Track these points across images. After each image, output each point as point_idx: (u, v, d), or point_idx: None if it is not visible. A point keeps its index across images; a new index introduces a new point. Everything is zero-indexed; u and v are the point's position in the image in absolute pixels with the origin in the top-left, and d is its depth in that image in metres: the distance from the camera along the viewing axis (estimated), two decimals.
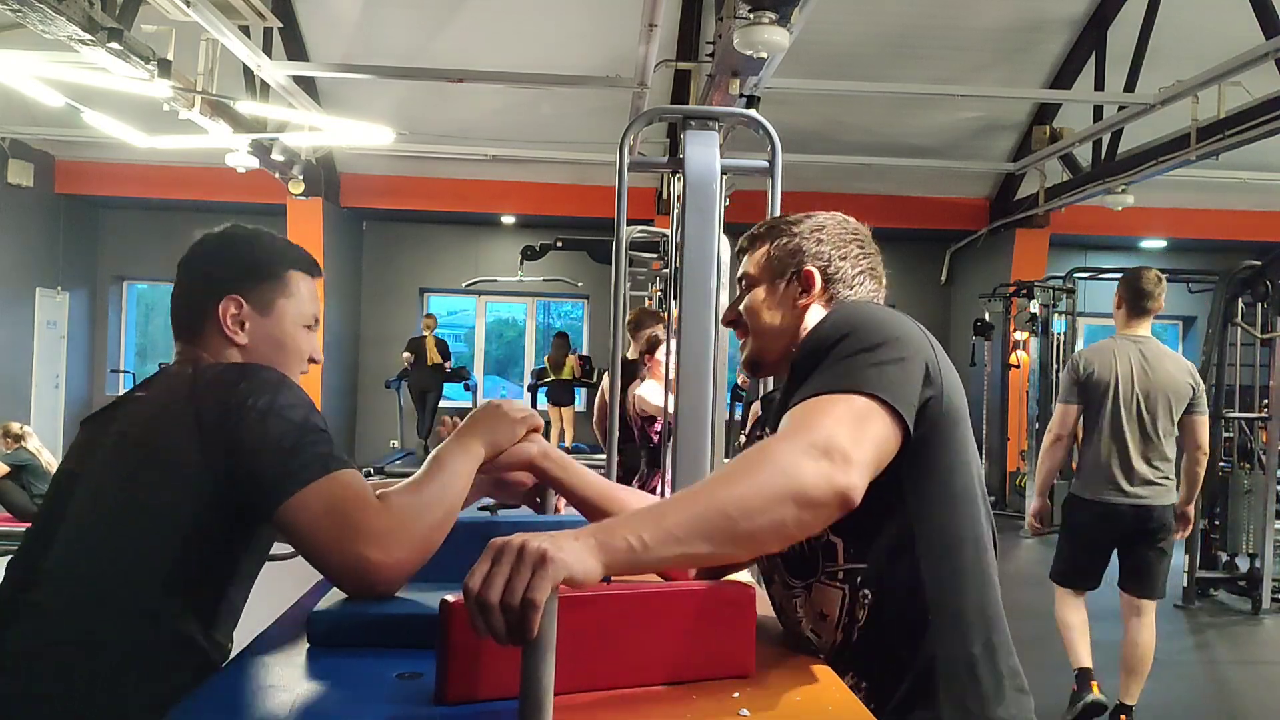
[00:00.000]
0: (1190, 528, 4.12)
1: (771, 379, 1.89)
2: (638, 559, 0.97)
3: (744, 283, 1.49)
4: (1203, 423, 4.00)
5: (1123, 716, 4.01)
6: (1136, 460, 3.92)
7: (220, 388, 1.28)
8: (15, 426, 6.45)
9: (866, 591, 1.25)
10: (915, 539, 1.24)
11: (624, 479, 4.35)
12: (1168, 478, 3.96)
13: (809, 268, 1.42)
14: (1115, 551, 4.09)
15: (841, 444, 1.09)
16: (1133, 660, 4.01)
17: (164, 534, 1.25)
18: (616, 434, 2.77)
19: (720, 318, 1.51)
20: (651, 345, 4.86)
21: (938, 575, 1.24)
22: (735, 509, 1.03)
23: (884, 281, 1.47)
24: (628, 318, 5.41)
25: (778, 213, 2.52)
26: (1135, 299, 3.99)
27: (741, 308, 1.48)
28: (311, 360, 1.51)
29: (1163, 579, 4.01)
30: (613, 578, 1.00)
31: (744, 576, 1.44)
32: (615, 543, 0.96)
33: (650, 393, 4.87)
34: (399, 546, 1.22)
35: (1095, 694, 4.17)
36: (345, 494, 1.23)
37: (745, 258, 1.51)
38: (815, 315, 1.40)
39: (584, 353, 11.81)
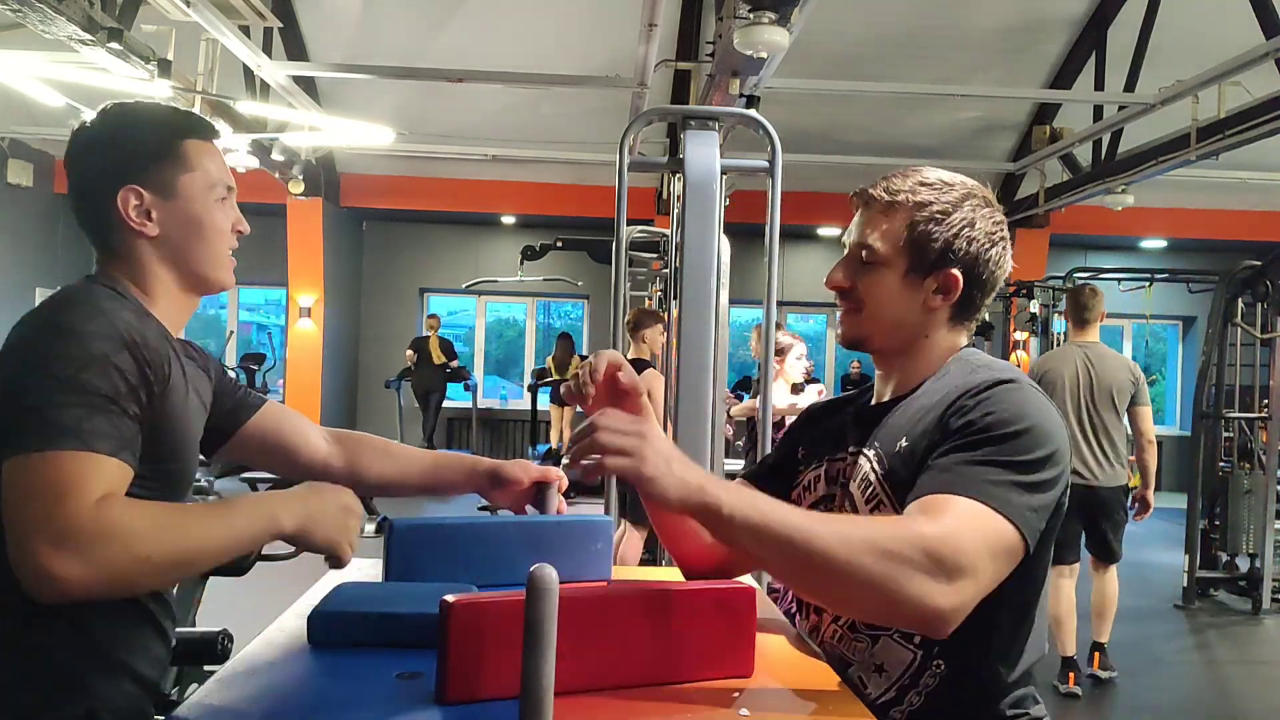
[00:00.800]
0: (1149, 511, 4.65)
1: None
2: (716, 518, 1.04)
3: (865, 253, 1.33)
4: (1144, 413, 4.64)
5: (1097, 654, 4.53)
6: (1087, 449, 4.49)
7: (17, 327, 1.18)
8: None
9: (940, 663, 1.21)
10: (1001, 621, 1.21)
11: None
12: (1116, 462, 4.57)
13: (955, 272, 1.30)
14: (1084, 528, 4.61)
15: (972, 574, 1.06)
16: (1100, 605, 4.61)
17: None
18: None
19: (826, 279, 1.37)
20: (781, 349, 4.97)
21: (1010, 653, 1.24)
22: (821, 554, 1.03)
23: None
24: (627, 318, 5.43)
25: (778, 213, 2.51)
26: (1076, 312, 4.69)
27: (861, 285, 1.34)
28: (237, 231, 1.37)
29: (1118, 545, 4.58)
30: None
31: (747, 579, 1.44)
32: (709, 491, 1.03)
33: (774, 396, 4.93)
34: (81, 561, 1.03)
35: (1071, 686, 4.52)
36: (51, 477, 1.06)
37: (869, 217, 1.34)
38: (942, 317, 1.33)
39: (584, 353, 11.82)
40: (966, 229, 1.30)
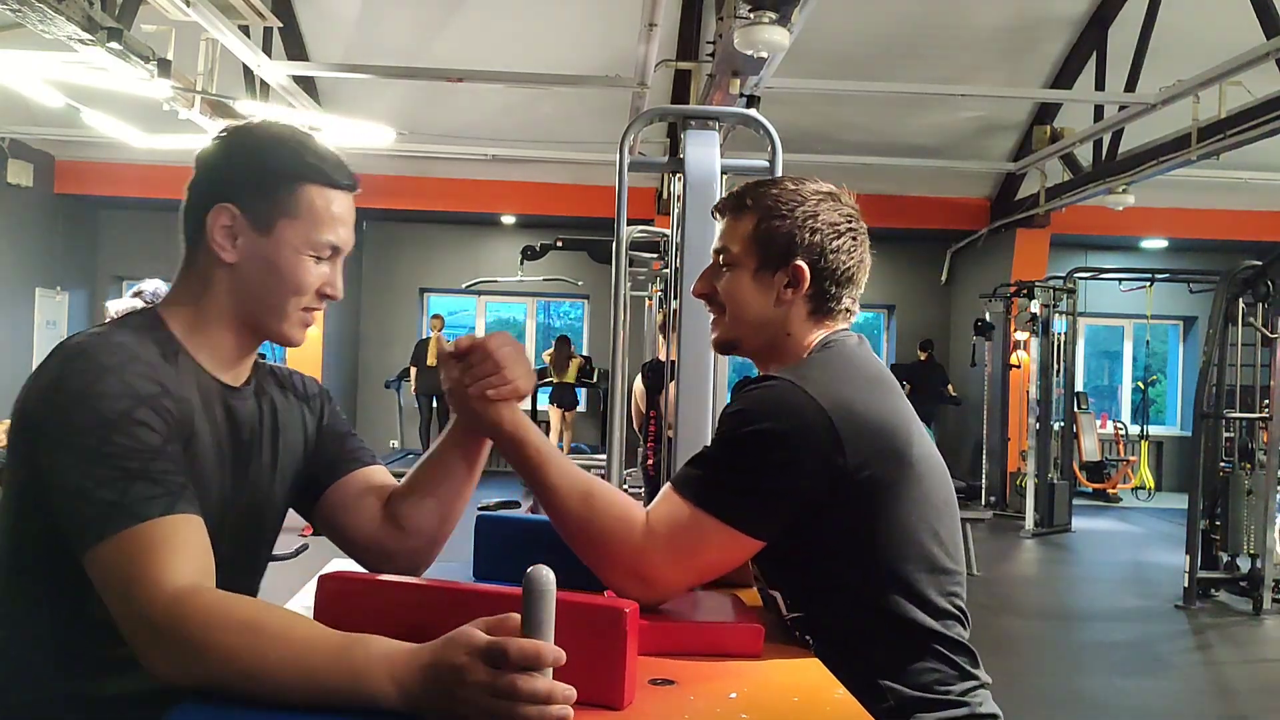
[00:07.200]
0: None
1: None
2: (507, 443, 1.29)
3: (723, 257, 1.42)
4: None
5: None
6: None
7: (30, 394, 1.11)
8: None
9: (809, 638, 1.30)
10: (835, 594, 1.28)
11: (655, 478, 4.31)
12: None
13: (800, 262, 1.37)
14: None
15: (667, 565, 1.24)
16: None
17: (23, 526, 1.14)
18: (621, 433, 2.77)
19: (690, 288, 1.46)
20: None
21: (864, 629, 1.27)
22: (571, 519, 1.26)
23: (868, 269, 1.42)
24: (657, 318, 5.40)
25: None
26: None
27: (720, 287, 1.42)
28: (325, 295, 1.25)
29: None
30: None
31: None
32: (515, 423, 1.29)
33: None
34: (160, 653, 0.98)
35: None
36: (117, 568, 1.01)
37: (725, 224, 1.43)
38: (800, 312, 1.38)
39: (585, 353, 11.81)
40: (810, 220, 1.37)
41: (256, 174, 1.22)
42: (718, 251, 1.42)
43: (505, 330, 1.42)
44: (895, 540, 1.27)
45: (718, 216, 1.45)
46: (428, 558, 1.40)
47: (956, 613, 1.32)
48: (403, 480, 1.39)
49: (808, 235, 1.36)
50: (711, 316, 1.45)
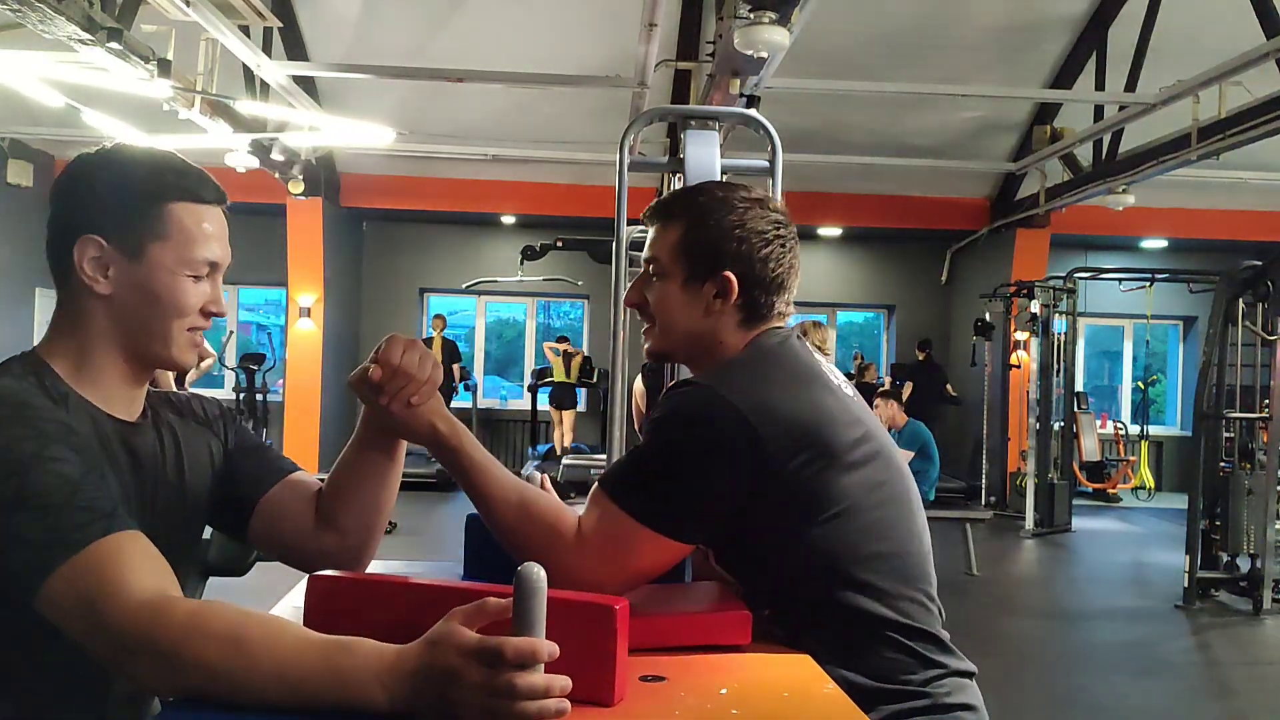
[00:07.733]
0: None
1: None
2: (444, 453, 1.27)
3: (652, 266, 1.41)
4: None
5: None
6: None
7: None
8: None
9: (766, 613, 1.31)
10: (787, 587, 1.29)
11: None
12: None
13: (729, 273, 1.35)
14: None
15: (600, 571, 1.23)
16: None
17: None
18: (621, 433, 2.77)
19: (623, 298, 1.46)
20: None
21: (818, 620, 1.28)
22: (506, 526, 1.27)
23: (798, 275, 1.41)
24: None
25: None
26: None
27: (650, 298, 1.41)
28: (208, 313, 1.22)
29: None
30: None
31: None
32: (451, 432, 1.27)
33: None
34: (144, 668, 0.97)
35: None
36: (72, 594, 0.99)
37: (654, 232, 1.41)
38: (730, 320, 1.37)
39: (587, 354, 11.83)
40: (737, 229, 1.35)
41: (118, 199, 1.17)
42: (647, 261, 1.41)
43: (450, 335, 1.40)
44: (835, 531, 1.26)
45: (646, 223, 1.43)
46: (369, 552, 1.38)
47: (919, 598, 1.31)
48: (326, 482, 1.37)
49: (735, 245, 1.35)
50: (644, 327, 1.44)
